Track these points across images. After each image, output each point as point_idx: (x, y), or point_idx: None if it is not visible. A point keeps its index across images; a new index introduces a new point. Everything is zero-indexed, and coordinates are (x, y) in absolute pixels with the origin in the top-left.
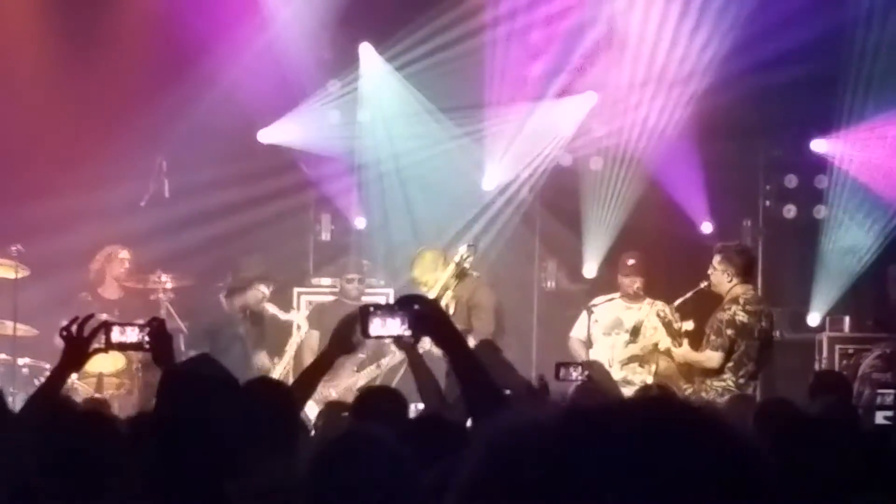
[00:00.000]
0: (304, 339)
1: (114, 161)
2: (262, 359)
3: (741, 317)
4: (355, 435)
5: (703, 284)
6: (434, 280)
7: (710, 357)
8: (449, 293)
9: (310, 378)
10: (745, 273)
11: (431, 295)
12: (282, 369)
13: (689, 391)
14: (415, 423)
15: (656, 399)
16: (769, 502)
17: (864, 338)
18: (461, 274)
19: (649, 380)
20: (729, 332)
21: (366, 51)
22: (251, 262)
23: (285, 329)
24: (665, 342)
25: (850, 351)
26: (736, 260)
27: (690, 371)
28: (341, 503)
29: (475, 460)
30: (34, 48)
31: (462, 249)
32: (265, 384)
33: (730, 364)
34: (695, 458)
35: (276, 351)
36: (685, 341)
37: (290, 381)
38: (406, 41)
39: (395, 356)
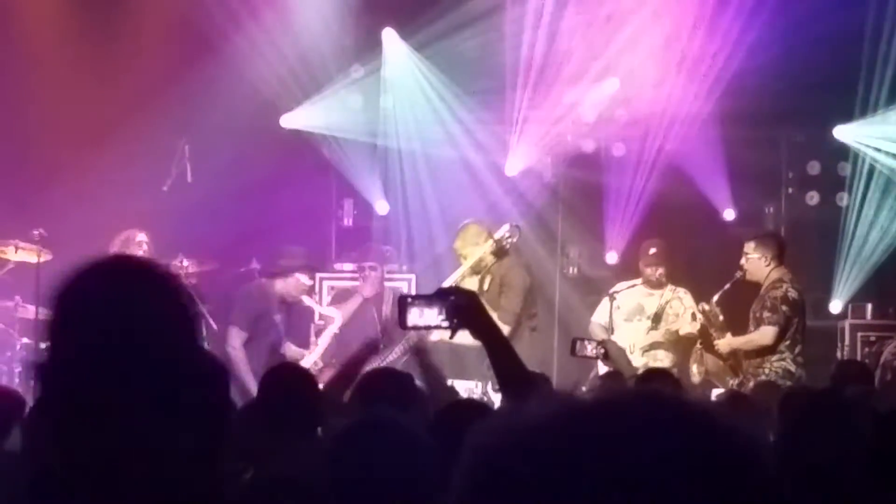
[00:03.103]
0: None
1: (136, 145)
2: (291, 348)
3: (793, 293)
4: (374, 421)
5: (738, 275)
6: (472, 253)
7: (764, 333)
8: (486, 269)
9: (355, 368)
10: (781, 256)
11: (466, 265)
12: (311, 362)
13: (737, 382)
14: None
15: (646, 394)
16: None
17: (887, 325)
18: (500, 252)
19: (658, 364)
20: (784, 308)
21: (389, 36)
22: (293, 250)
23: (307, 318)
24: (686, 329)
25: (873, 338)
26: (773, 244)
27: (737, 363)
28: (358, 490)
29: (464, 469)
30: (57, 33)
31: (505, 227)
32: (287, 370)
33: (786, 342)
34: (690, 456)
35: (303, 343)
36: (728, 335)
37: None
38: (429, 26)
39: (399, 350)
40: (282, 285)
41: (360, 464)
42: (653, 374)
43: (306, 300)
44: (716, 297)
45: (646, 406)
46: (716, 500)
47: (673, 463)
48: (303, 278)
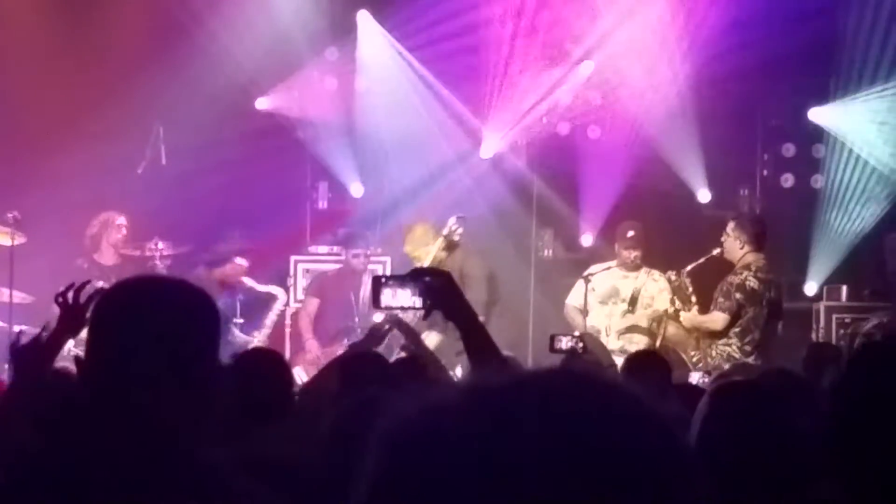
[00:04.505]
0: (303, 305)
1: (110, 128)
2: (238, 336)
3: (752, 283)
4: (375, 400)
5: (716, 251)
6: (425, 254)
7: (715, 319)
8: (441, 265)
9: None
10: (758, 241)
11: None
12: (262, 340)
13: (697, 357)
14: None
15: (561, 374)
16: (686, 486)
17: (862, 307)
18: (451, 246)
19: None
20: (738, 295)
21: (364, 18)
22: (230, 235)
23: (264, 301)
24: (663, 308)
25: (847, 320)
26: (749, 228)
27: (699, 337)
28: (357, 471)
29: (373, 456)
30: (31, 16)
31: (451, 221)
32: (258, 354)
33: (736, 329)
34: (603, 437)
35: (255, 324)
36: (695, 308)
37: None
38: (404, 8)
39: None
40: (220, 271)
41: (358, 447)
42: (642, 356)
43: (246, 280)
44: (687, 269)
45: (549, 386)
46: (613, 483)
47: (572, 443)
48: (240, 261)
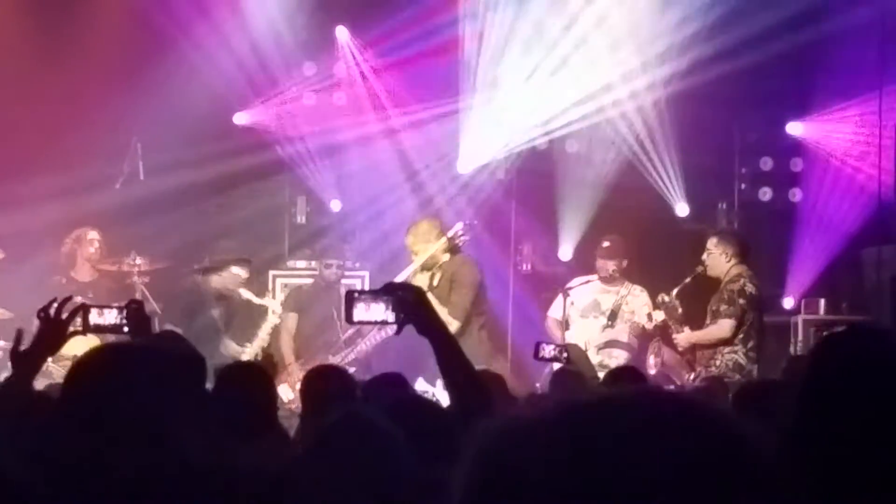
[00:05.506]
0: (282, 321)
1: (89, 143)
2: (231, 346)
3: (750, 288)
4: (353, 417)
5: (699, 269)
6: (424, 250)
7: (722, 326)
8: (436, 265)
9: None
10: (743, 254)
11: (417, 262)
12: (252, 354)
13: (692, 376)
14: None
15: (648, 391)
16: (770, 493)
17: (839, 320)
18: (452, 249)
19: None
20: (741, 301)
21: (342, 34)
22: (228, 244)
23: (257, 314)
24: (642, 322)
25: (826, 333)
26: (734, 241)
27: (693, 358)
28: (338, 485)
29: (470, 467)
30: (9, 31)
31: (458, 226)
32: (242, 368)
33: (740, 336)
34: (690, 450)
35: (246, 336)
36: (686, 328)
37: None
38: (382, 24)
39: (370, 341)
40: (217, 280)
41: (339, 462)
42: (621, 372)
43: (243, 293)
44: (676, 290)
45: (650, 404)
46: (719, 494)
47: (682, 460)
48: (238, 271)
